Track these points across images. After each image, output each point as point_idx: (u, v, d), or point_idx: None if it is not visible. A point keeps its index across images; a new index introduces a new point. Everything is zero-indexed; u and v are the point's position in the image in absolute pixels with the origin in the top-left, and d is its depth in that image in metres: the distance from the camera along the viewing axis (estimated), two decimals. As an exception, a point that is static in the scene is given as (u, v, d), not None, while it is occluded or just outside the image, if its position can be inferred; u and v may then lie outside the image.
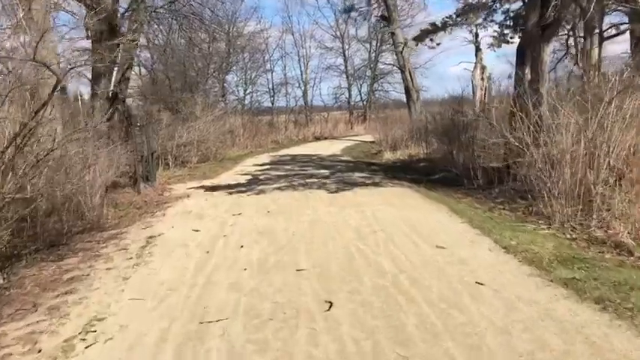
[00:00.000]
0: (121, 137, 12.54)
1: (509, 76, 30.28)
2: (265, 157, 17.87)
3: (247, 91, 35.28)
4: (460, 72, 53.96)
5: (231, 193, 9.98)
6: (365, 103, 34.71)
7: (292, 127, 32.78)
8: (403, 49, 20.77)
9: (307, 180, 11.14)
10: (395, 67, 35.28)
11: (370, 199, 8.56)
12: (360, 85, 35.36)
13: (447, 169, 11.27)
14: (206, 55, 31.79)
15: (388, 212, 7.43)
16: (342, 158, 16.70)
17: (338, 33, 35.01)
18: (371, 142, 23.56)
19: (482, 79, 20.36)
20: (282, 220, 7.17)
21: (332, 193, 9.37)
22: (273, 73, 35.23)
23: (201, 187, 11.25)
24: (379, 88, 35.67)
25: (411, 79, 20.99)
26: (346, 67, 34.83)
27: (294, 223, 6.95)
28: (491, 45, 14.69)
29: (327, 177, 11.63)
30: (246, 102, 35.37)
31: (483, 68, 20.60)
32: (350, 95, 35.00)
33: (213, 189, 10.77)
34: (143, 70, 30.59)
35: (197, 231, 6.78)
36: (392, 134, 19.14)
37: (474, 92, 20.14)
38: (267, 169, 13.91)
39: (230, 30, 32.09)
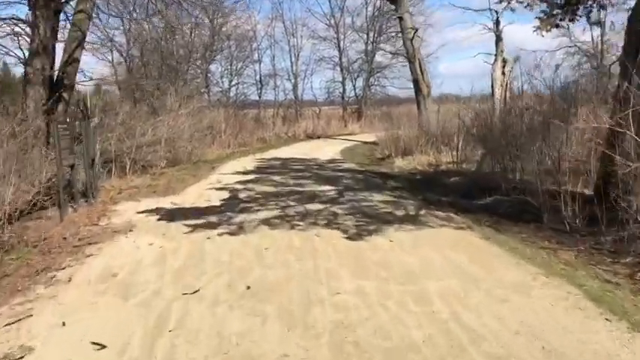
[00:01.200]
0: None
1: (596, 67, 27.02)
2: (250, 161, 14.34)
3: (233, 83, 31.74)
4: (471, 67, 49.83)
5: (194, 229, 6.41)
6: (360, 98, 31.21)
7: (281, 123, 29.33)
8: (414, 36, 17.35)
9: (308, 206, 7.60)
10: (394, 61, 32.04)
11: (424, 263, 4.88)
12: (355, 79, 31.89)
13: (497, 188, 7.90)
14: (188, 43, 28.25)
15: (480, 308, 3.77)
16: (346, 165, 13.18)
17: (332, 22, 31.43)
18: (372, 142, 20.10)
19: (504, 73, 17.01)
20: (272, 323, 3.60)
21: (352, 239, 5.79)
22: (262, 64, 31.60)
23: (157, 210, 7.68)
24: (375, 83, 32.23)
25: (421, 72, 17.59)
26: (340, 59, 31.31)
27: (297, 337, 3.38)
28: (538, 29, 11.22)
29: (335, 200, 8.12)
30: (232, 94, 31.86)
31: (505, 61, 17.22)
32: (344, 90, 31.55)
33: (172, 216, 7.20)
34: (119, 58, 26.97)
35: (100, 348, 3.26)
36: (402, 135, 15.70)
37: (492, 89, 16.83)
38: (251, 182, 10.33)
39: (214, 16, 28.44)
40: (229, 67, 31.86)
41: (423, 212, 7.06)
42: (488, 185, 8.27)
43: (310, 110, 31.61)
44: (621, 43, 8.65)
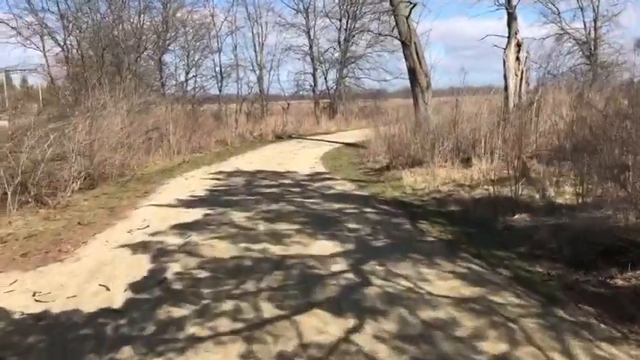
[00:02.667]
0: None
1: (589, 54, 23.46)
2: (201, 179, 10.10)
3: (190, 75, 27.27)
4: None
5: None
6: (334, 92, 27.18)
7: (244, 119, 25.11)
8: (410, 13, 13.47)
9: (301, 320, 3.45)
10: (369, 50, 28.08)
11: None
12: (327, 71, 27.80)
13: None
14: (135, 29, 23.64)
15: None
16: (338, 187, 9.01)
17: (301, 6, 27.24)
18: (355, 144, 16.16)
19: (518, 59, 13.32)
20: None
21: None
22: (222, 54, 27.15)
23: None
24: (350, 74, 28.20)
25: (418, 59, 13.75)
26: (311, 48, 27.16)
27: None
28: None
29: (354, 291, 3.96)
30: (189, 88, 27.39)
31: (519, 45, 13.53)
32: (315, 82, 27.41)
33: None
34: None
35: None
36: (402, 139, 11.80)
37: (505, 80, 13.14)
38: (197, 228, 6.07)
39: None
40: (186, 58, 27.44)
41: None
42: (613, 241, 4.45)
43: (278, 105, 27.43)
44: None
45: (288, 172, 10.66)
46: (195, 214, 6.86)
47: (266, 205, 7.34)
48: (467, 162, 9.48)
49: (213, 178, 10.07)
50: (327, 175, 10.27)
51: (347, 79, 27.91)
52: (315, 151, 15.02)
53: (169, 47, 26.99)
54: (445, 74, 48.20)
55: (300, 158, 13.18)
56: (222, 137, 18.09)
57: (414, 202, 7.47)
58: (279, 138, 19.95)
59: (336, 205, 7.20)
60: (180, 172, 11.10)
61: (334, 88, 27.30)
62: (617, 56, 24.41)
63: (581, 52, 26.19)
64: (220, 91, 26.62)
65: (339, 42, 27.16)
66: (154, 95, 23.28)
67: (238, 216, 6.64)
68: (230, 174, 10.69)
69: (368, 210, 6.90)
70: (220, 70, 26.91)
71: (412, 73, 13.98)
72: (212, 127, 18.98)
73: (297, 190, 8.73)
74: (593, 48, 25.54)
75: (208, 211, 6.99)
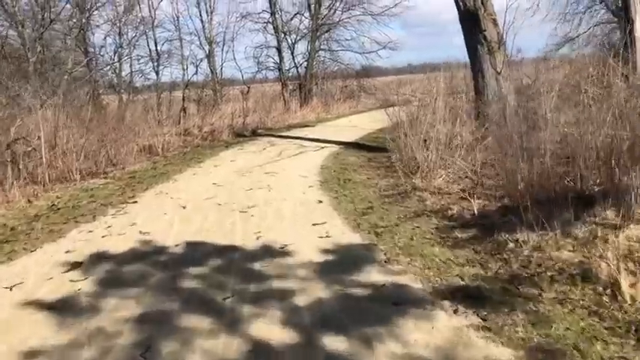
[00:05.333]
0: None
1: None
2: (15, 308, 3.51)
3: (124, 58, 20.18)
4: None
5: None
6: (304, 70, 20.39)
7: (194, 109, 18.48)
8: None
9: None
10: (345, 16, 21.33)
11: None
12: (293, 44, 20.90)
13: None
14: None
15: None
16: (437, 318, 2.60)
17: (257, -40, 20.20)
18: (361, 145, 9.79)
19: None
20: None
21: None
22: (159, 29, 19.88)
23: None
24: (324, 47, 21.42)
25: (483, 3, 7.36)
26: (273, 14, 20.17)
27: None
28: None
29: None
30: (124, 74, 20.31)
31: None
32: (281, 58, 20.53)
33: None
34: None
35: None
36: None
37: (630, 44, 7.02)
38: None
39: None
40: (117, 36, 20.25)
41: None
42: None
43: (235, 90, 20.59)
44: None
45: (270, 250, 4.10)
46: None
47: None
48: None
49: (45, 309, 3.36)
50: (374, 259, 3.75)
51: (321, 52, 21.16)
52: (301, 164, 8.41)
53: (91, 21, 19.77)
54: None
55: (283, 188, 6.60)
56: (149, 143, 11.23)
57: None
58: (238, 136, 13.20)
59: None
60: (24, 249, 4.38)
61: (305, 65, 20.51)
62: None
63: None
64: (158, 74, 19.47)
65: (308, 5, 20.33)
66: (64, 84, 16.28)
67: None
68: (119, 262, 4.04)
69: None
70: (157, 49, 19.77)
71: (469, 20, 7.51)
72: (135, 129, 12.04)
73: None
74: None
75: None
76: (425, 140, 7.11)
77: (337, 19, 20.80)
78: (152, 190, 6.98)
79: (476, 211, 4.89)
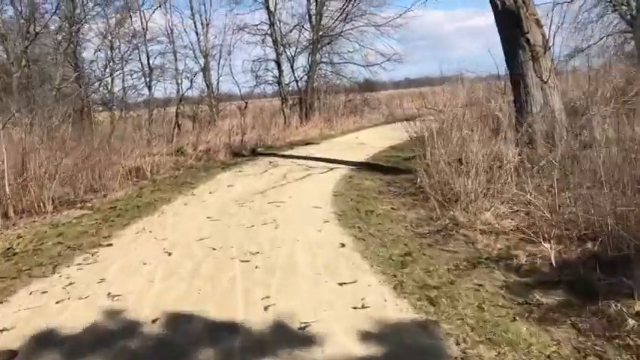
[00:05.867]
0: None
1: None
2: None
3: (116, 73, 19.17)
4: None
5: None
6: (305, 83, 19.26)
7: (189, 126, 17.48)
8: None
9: None
10: (348, 27, 20.23)
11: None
12: (293, 57, 19.77)
13: None
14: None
15: None
16: None
17: (255, -31, 19.20)
18: (382, 167, 8.61)
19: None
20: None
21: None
22: (150, 43, 18.79)
23: None
24: (324, 59, 20.31)
25: (524, 2, 6.27)
26: (272, 25, 19.09)
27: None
28: None
29: None
30: (116, 89, 19.27)
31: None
32: (280, 72, 19.40)
33: None
34: None
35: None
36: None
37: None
38: None
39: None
40: (109, 50, 19.26)
41: None
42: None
43: (233, 105, 19.51)
44: None
45: (285, 333, 2.85)
46: None
47: None
48: None
49: None
50: (443, 353, 2.51)
51: (322, 65, 20.06)
52: (310, 190, 7.21)
53: (81, 33, 18.77)
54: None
55: (293, 224, 5.37)
56: (140, 163, 10.01)
57: None
58: (236, 155, 11.99)
59: None
60: None
61: (306, 78, 19.38)
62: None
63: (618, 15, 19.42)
64: (150, 89, 18.33)
65: (308, 15, 19.29)
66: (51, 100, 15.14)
67: None
68: (71, 352, 2.79)
69: None
70: (149, 63, 18.67)
71: (508, 21, 6.37)
72: (129, 147, 10.83)
73: None
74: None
75: None
76: (459, 160, 5.92)
77: (339, 31, 19.72)
78: (134, 226, 5.73)
79: (554, 261, 3.68)
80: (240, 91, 19.64)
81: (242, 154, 12.20)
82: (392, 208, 5.92)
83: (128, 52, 19.36)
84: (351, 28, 19.67)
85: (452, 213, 5.16)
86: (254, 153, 12.33)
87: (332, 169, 8.88)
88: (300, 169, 9.09)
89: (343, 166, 9.14)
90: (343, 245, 4.47)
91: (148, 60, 18.36)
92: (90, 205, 7.38)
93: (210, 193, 7.47)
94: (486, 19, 29.93)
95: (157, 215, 6.21)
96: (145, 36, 18.40)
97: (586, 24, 20.19)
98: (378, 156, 10.22)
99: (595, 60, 18.24)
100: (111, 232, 5.51)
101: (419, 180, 6.71)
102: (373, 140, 12.59)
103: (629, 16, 19.11)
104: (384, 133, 14.30)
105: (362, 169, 8.83)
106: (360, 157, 10.06)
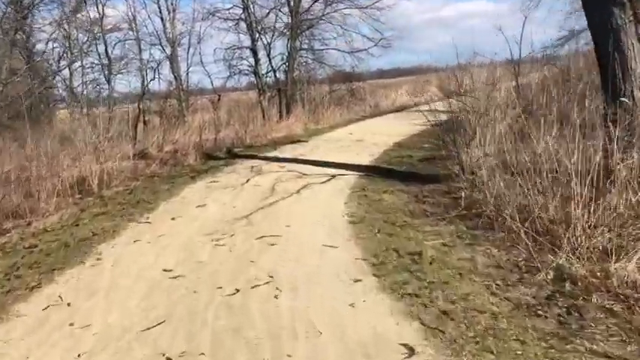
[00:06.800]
0: None
1: None
2: None
3: (76, 66, 16.89)
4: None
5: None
6: (285, 74, 17.03)
7: (156, 123, 15.29)
8: None
9: None
10: (329, 9, 18.02)
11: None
12: (269, 43, 17.46)
13: None
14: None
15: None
16: None
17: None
18: (387, 169, 6.57)
19: None
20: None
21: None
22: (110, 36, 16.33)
23: None
24: (305, 46, 18.07)
25: None
26: (246, 9, 16.76)
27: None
28: None
29: None
30: (76, 85, 16.97)
31: None
32: (257, 61, 17.11)
33: None
34: None
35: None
36: None
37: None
38: None
39: None
40: (67, 41, 16.90)
41: None
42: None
43: (204, 99, 17.24)
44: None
45: None
46: None
47: None
48: None
49: None
50: None
51: (302, 52, 17.85)
52: (314, 213, 5.14)
53: (33, 23, 16.42)
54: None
55: (302, 286, 3.31)
56: (87, 173, 7.75)
57: None
58: (209, 158, 9.80)
59: None
60: None
61: (285, 67, 17.15)
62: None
63: None
64: (109, 82, 15.89)
65: (287, -1, 17.00)
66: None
67: None
68: None
69: None
70: (108, 54, 16.27)
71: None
72: (72, 153, 8.54)
73: None
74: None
75: None
76: (557, 173, 3.96)
77: (320, 14, 17.54)
78: (46, 290, 3.57)
79: None
80: (212, 83, 17.35)
81: (216, 156, 10.01)
82: (443, 244, 3.91)
83: (87, 43, 16.92)
84: (333, 11, 17.49)
85: (552, 258, 3.19)
86: (231, 154, 10.15)
87: (334, 176, 6.82)
88: (292, 177, 6.99)
89: (346, 171, 7.08)
90: (408, 348, 2.42)
91: (106, 50, 15.94)
92: (3, 241, 5.16)
93: (172, 219, 5.31)
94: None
95: (89, 266, 4.04)
96: (101, 20, 15.94)
97: (581, 7, 18.52)
98: (385, 157, 8.18)
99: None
100: (5, 307, 3.33)
101: (462, 195, 4.75)
102: (372, 136, 10.56)
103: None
104: (380, 128, 12.29)
105: (373, 175, 6.79)
106: (364, 158, 8.02)
